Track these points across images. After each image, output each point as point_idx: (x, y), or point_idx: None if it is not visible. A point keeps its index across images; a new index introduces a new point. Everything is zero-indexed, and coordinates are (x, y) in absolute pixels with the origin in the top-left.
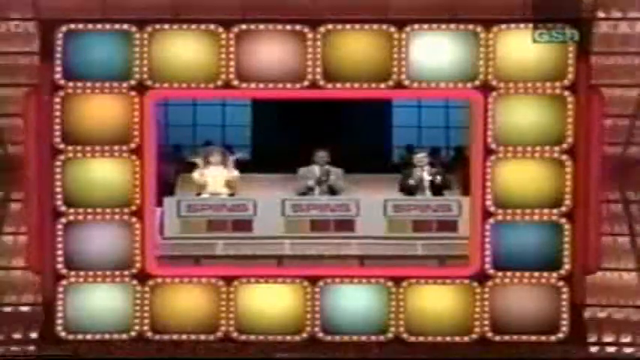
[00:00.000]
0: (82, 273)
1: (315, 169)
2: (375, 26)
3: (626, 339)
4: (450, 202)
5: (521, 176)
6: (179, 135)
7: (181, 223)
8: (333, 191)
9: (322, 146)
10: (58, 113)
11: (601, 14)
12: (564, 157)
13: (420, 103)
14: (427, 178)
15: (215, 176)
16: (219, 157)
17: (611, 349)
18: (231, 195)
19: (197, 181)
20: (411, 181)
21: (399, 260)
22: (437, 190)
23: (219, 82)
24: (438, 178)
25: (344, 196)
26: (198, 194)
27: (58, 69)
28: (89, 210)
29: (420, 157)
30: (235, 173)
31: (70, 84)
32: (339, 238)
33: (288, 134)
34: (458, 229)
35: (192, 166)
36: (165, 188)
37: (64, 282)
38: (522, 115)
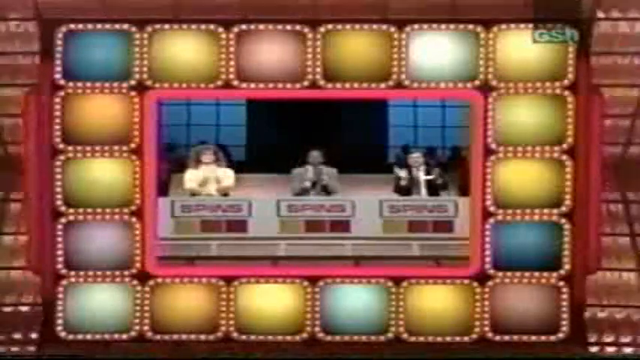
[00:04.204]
0: (82, 273)
1: (310, 170)
2: (375, 26)
3: (626, 339)
4: (446, 202)
5: (521, 176)
6: (173, 134)
7: (175, 224)
8: (327, 191)
9: (317, 146)
10: (58, 113)
11: (601, 14)
12: (564, 157)
13: (416, 102)
14: (423, 178)
15: (208, 176)
16: (212, 156)
17: (611, 349)
18: (225, 195)
19: (188, 186)
20: (403, 182)
21: (395, 261)
22: (433, 190)
23: (219, 82)
24: (434, 178)
25: (339, 197)
26: (193, 194)
27: (58, 69)
28: (89, 210)
29: (415, 157)
30: (230, 173)
31: (70, 84)
32: (335, 239)
33: (283, 134)
34: (454, 230)
35: (186, 166)
36: (160, 188)
37: (64, 282)
38: (522, 115)
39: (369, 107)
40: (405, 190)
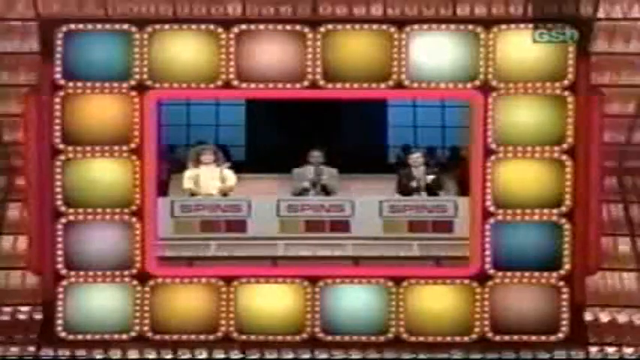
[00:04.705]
0: (82, 273)
1: (310, 170)
2: (375, 26)
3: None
4: (446, 202)
5: (521, 176)
6: (173, 135)
7: (175, 224)
8: (327, 191)
9: (317, 146)
10: (58, 113)
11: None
12: (564, 157)
13: (415, 102)
14: (423, 178)
15: (207, 176)
16: (211, 157)
17: (611, 350)
18: (225, 195)
19: (188, 186)
20: (413, 184)
21: (395, 261)
22: (432, 190)
23: (219, 82)
24: (434, 178)
25: (339, 197)
26: (192, 194)
27: (58, 69)
28: (89, 210)
29: (415, 157)
30: (230, 173)
31: (70, 84)
32: (335, 239)
33: (283, 134)
34: (454, 230)
35: (185, 166)
36: (159, 188)
37: (64, 282)
38: (522, 115)
39: (369, 107)
40: (411, 192)
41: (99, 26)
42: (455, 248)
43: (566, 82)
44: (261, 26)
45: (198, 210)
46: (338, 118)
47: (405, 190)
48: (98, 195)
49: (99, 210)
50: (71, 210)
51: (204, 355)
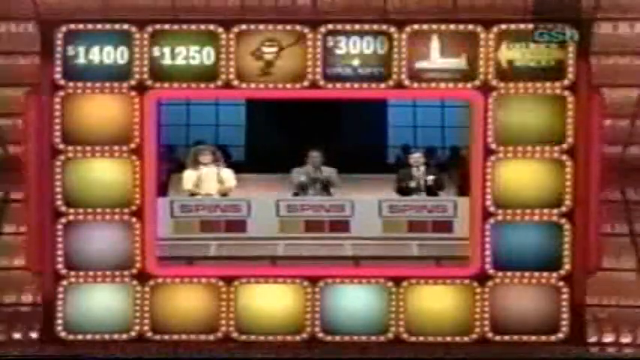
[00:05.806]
0: (82, 273)
1: (309, 170)
2: (375, 26)
3: (627, 339)
4: (446, 202)
5: (521, 176)
6: (173, 135)
7: (174, 224)
8: (328, 186)
9: (316, 147)
10: (58, 113)
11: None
12: (564, 157)
13: (415, 102)
14: (423, 178)
15: (207, 176)
16: (210, 157)
17: (611, 350)
18: (225, 195)
19: (187, 187)
20: (412, 184)
21: (395, 261)
22: (432, 190)
23: (219, 82)
24: (434, 178)
25: (339, 197)
26: (192, 195)
27: (58, 69)
28: (89, 210)
29: (416, 157)
30: (230, 173)
31: (70, 84)
32: (334, 239)
33: (283, 134)
34: (453, 230)
35: (185, 166)
36: (159, 188)
37: (64, 282)
38: (522, 115)
39: (369, 107)
40: (411, 192)
41: (99, 26)
42: (455, 248)
43: (566, 82)
44: (261, 26)
45: (197, 210)
46: (338, 118)
47: (404, 190)
48: (98, 195)
49: (99, 210)
50: (71, 210)
51: (204, 355)
